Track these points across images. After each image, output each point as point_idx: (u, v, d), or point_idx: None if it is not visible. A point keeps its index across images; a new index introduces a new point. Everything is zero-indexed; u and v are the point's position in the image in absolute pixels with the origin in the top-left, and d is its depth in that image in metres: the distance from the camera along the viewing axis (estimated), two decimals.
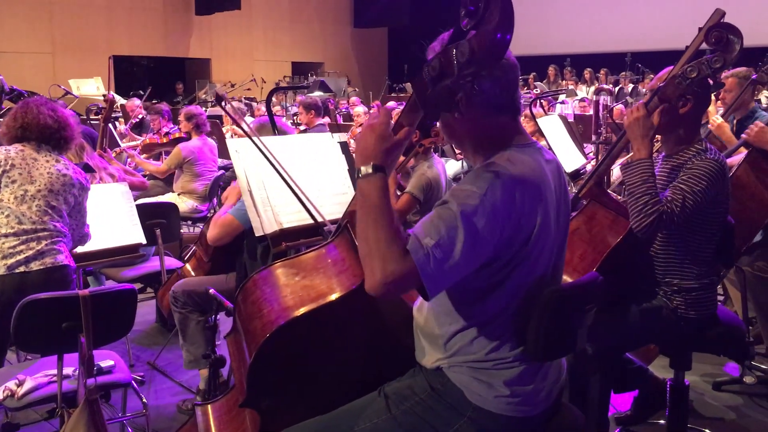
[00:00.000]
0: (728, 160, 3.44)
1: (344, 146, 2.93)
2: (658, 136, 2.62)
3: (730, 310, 2.91)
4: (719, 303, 2.74)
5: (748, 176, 3.24)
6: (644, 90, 12.17)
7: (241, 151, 2.62)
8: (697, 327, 2.56)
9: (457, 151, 6.62)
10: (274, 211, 2.62)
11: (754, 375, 3.37)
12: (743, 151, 3.40)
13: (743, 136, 3.27)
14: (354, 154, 1.66)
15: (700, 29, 2.47)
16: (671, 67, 2.58)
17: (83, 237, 3.20)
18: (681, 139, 2.53)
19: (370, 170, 1.55)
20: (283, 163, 2.74)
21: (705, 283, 2.56)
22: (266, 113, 3.60)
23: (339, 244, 1.90)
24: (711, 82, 2.39)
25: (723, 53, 2.36)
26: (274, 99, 12.54)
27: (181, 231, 5.50)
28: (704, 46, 2.49)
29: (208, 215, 6.27)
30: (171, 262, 4.42)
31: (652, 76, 12.75)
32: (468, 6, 1.41)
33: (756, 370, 3.59)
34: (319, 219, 2.49)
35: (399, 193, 3.98)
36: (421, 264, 1.48)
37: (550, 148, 4.89)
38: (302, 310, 1.75)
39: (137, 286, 4.72)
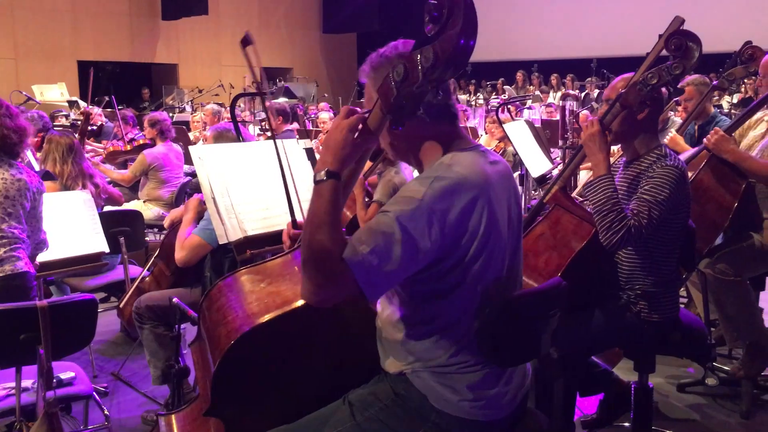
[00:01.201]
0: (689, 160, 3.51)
1: (310, 152, 2.91)
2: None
3: (693, 313, 2.95)
4: (681, 306, 2.78)
5: (709, 180, 3.29)
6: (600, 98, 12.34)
7: (204, 157, 2.59)
8: (659, 330, 2.59)
9: None
10: (239, 219, 2.60)
11: (716, 377, 3.43)
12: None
13: (704, 140, 3.32)
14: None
15: (660, 36, 2.51)
16: (625, 75, 2.62)
17: (40, 244, 3.14)
18: (641, 145, 2.56)
19: (323, 176, 1.56)
20: (249, 170, 2.72)
21: (667, 287, 2.59)
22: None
23: None
24: (671, 88, 2.42)
25: (682, 60, 2.40)
26: (242, 104, 12.46)
27: (147, 239, 5.43)
28: (665, 52, 2.53)
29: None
30: (136, 270, 4.35)
31: None
32: (432, 12, 1.42)
33: (719, 371, 3.64)
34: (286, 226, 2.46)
35: (367, 200, 3.97)
36: (356, 270, 1.49)
37: (517, 153, 4.93)
38: (267, 317, 1.73)
39: (101, 295, 4.68)
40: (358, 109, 1.66)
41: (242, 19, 18.31)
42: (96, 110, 9.30)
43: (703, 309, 3.55)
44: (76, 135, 5.04)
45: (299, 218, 2.58)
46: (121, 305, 3.66)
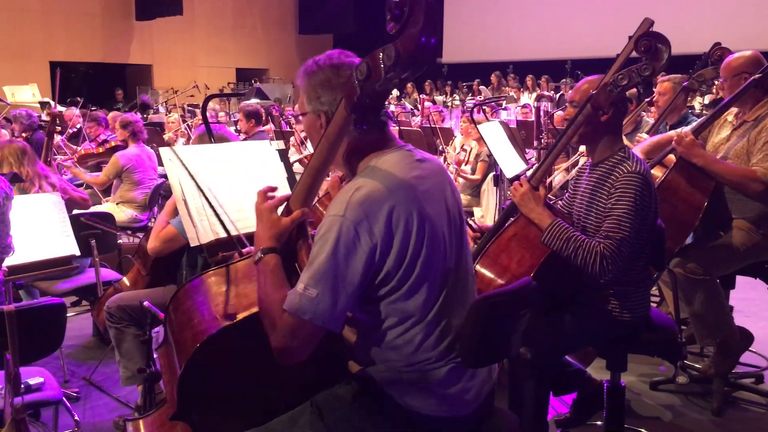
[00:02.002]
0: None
1: (282, 153, 2.90)
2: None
3: (664, 312, 2.98)
4: (653, 305, 2.81)
5: (679, 181, 3.32)
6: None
7: (175, 159, 2.56)
8: (631, 329, 2.62)
9: None
10: (210, 220, 2.57)
11: (687, 375, 3.46)
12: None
13: (673, 143, 3.35)
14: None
15: (630, 38, 2.53)
16: (590, 77, 2.64)
17: (5, 248, 3.08)
18: (605, 147, 2.59)
19: (260, 254, 1.67)
20: (221, 172, 2.70)
21: (638, 287, 2.62)
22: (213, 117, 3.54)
23: None
24: (641, 90, 2.45)
25: (652, 61, 2.43)
26: (217, 106, 12.38)
27: (120, 242, 5.36)
28: (635, 54, 2.55)
29: (149, 225, 6.14)
30: (108, 273, 4.29)
31: None
32: (393, 10, 1.43)
33: (690, 369, 3.68)
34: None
35: None
36: (315, 319, 1.55)
37: (491, 154, 4.94)
38: (233, 319, 1.71)
39: (72, 299, 4.61)
40: (274, 191, 1.78)
41: (217, 20, 18.22)
42: (75, 111, 9.16)
43: (674, 307, 3.58)
44: (45, 134, 4.96)
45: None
46: (96, 308, 3.61)
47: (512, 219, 2.73)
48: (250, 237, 2.59)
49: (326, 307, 1.55)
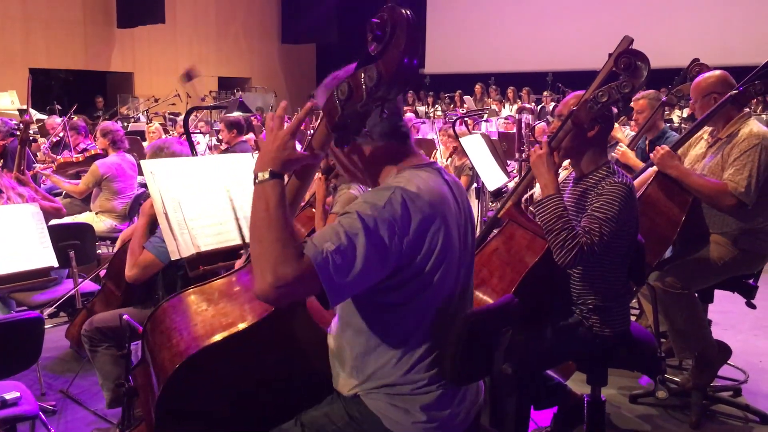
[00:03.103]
0: (640, 177, 3.59)
1: None
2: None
3: (643, 327, 3.00)
4: (632, 320, 2.83)
5: (658, 195, 3.36)
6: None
7: (156, 172, 2.54)
8: (611, 344, 2.63)
9: None
10: (191, 234, 2.56)
11: (666, 389, 3.49)
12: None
13: (651, 156, 3.40)
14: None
15: (610, 55, 2.56)
16: (578, 93, 2.67)
17: None
18: (590, 162, 2.61)
19: (266, 176, 1.54)
20: (203, 185, 2.68)
21: (618, 302, 2.64)
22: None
23: (251, 270, 1.86)
24: (621, 106, 2.47)
25: (631, 78, 2.45)
26: (199, 115, 12.30)
27: (99, 252, 5.31)
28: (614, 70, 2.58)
29: None
30: (86, 284, 4.24)
31: None
32: (375, 31, 1.42)
33: (669, 382, 3.71)
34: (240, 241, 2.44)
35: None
36: (320, 267, 1.45)
37: (473, 167, 4.97)
38: (213, 339, 1.70)
39: (50, 310, 4.55)
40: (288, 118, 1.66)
41: (200, 28, 18.17)
42: (57, 120, 9.06)
43: (654, 321, 3.61)
44: (18, 142, 4.89)
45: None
46: (69, 328, 3.55)
47: (494, 233, 2.74)
48: (232, 251, 2.59)
49: (338, 272, 1.45)
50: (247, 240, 2.43)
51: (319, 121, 1.58)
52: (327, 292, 1.46)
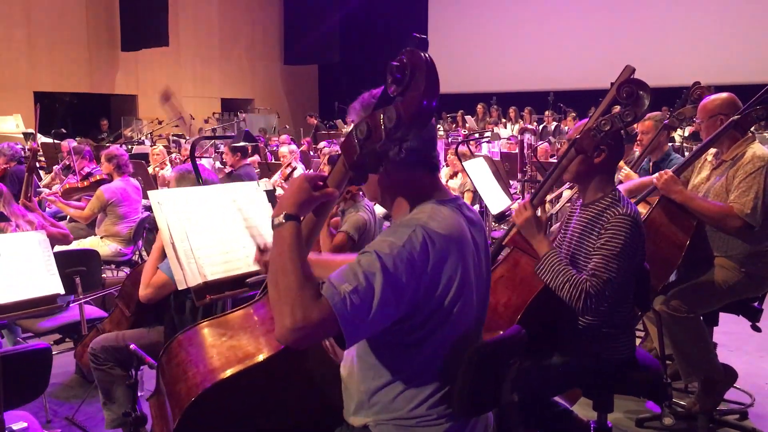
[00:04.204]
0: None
1: (270, 194, 2.91)
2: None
3: (648, 352, 3.00)
4: (638, 342, 2.83)
5: (661, 219, 3.37)
6: (566, 128, 12.62)
7: (163, 202, 2.57)
8: (617, 371, 2.64)
9: None
10: (198, 263, 2.57)
11: (672, 416, 3.48)
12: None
13: (654, 180, 3.41)
14: None
15: (612, 84, 2.59)
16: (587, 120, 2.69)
17: None
18: (597, 188, 2.62)
19: (282, 219, 1.57)
20: (208, 213, 2.70)
21: (624, 328, 2.65)
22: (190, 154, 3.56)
23: (266, 302, 1.88)
24: (624, 135, 2.50)
25: (633, 107, 2.48)
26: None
27: (104, 276, 5.32)
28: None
29: (133, 258, 6.10)
30: (92, 311, 4.25)
31: (574, 114, 13.25)
32: (395, 73, 1.45)
33: (676, 405, 3.70)
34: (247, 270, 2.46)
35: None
36: (338, 309, 1.47)
37: (476, 191, 5.00)
38: (228, 372, 1.72)
39: (55, 336, 4.56)
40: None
41: (203, 50, 18.31)
42: (73, 144, 9.11)
43: (659, 344, 3.61)
44: (25, 170, 4.95)
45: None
46: (78, 349, 3.56)
47: (499, 259, 2.75)
48: (239, 280, 2.61)
49: (356, 312, 1.48)
50: (253, 269, 2.45)
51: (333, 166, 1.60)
52: (344, 333, 1.48)
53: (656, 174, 3.43)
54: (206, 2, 18.34)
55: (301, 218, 1.59)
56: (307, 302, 1.46)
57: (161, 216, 2.57)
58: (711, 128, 3.47)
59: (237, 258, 2.68)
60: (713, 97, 3.56)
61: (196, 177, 2.95)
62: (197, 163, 3.00)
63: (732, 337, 4.79)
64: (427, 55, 1.44)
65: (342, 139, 1.59)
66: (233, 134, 5.83)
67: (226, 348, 1.78)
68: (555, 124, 13.13)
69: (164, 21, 15.43)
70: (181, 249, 2.56)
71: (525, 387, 2.51)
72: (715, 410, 3.62)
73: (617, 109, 2.56)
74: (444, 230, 1.62)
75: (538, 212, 2.66)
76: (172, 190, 2.70)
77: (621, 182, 3.99)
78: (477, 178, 4.71)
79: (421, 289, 1.57)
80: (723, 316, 3.70)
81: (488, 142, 9.65)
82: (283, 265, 1.52)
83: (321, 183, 1.62)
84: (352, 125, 1.53)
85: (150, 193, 2.61)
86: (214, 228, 2.67)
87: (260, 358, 1.73)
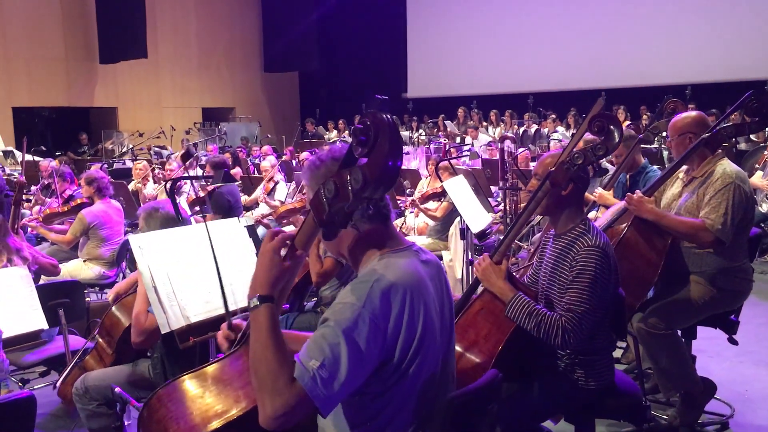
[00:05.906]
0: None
1: (251, 230, 2.94)
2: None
3: (627, 376, 3.05)
4: (618, 355, 2.88)
5: (636, 238, 3.43)
6: (545, 130, 12.69)
7: (145, 247, 2.58)
8: (597, 396, 2.69)
9: None
10: (180, 306, 2.59)
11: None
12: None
13: (625, 202, 3.47)
14: None
15: (583, 117, 2.64)
16: (554, 152, 2.74)
17: None
18: (567, 219, 2.69)
19: (256, 302, 1.62)
20: (191, 254, 2.72)
21: (601, 354, 2.70)
22: (179, 167, 3.58)
23: (242, 353, 1.91)
24: (596, 168, 2.55)
25: (605, 142, 2.54)
26: (175, 163, 12.30)
27: (88, 299, 5.30)
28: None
29: (116, 281, 6.08)
30: (76, 341, 4.25)
31: (554, 116, 13.33)
32: (359, 136, 1.48)
33: (659, 419, 3.76)
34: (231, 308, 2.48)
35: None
36: (309, 388, 1.54)
37: (456, 210, 5.03)
38: (210, 427, 1.74)
39: (41, 369, 4.55)
40: (285, 230, 1.72)
41: (182, 61, 18.22)
42: (52, 163, 9.06)
43: (636, 360, 3.67)
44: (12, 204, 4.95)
45: (242, 301, 2.62)
46: (60, 386, 3.56)
47: (479, 292, 2.80)
48: (221, 320, 2.62)
49: (326, 386, 1.55)
50: (231, 309, 2.49)
51: (304, 219, 1.64)
52: (319, 408, 1.56)
53: (626, 197, 3.49)
54: (184, 12, 18.25)
55: (275, 297, 1.64)
56: (282, 389, 1.54)
57: (143, 261, 2.59)
58: (680, 146, 3.54)
59: (219, 298, 2.70)
60: (683, 115, 3.63)
61: (175, 212, 2.97)
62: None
63: (711, 343, 4.85)
64: (389, 117, 1.48)
65: (310, 196, 1.63)
66: (211, 174, 5.82)
67: (206, 403, 1.81)
68: (535, 126, 13.20)
69: (142, 32, 15.34)
70: (164, 292, 2.58)
71: (507, 416, 2.56)
72: (696, 423, 3.68)
73: (588, 136, 2.62)
74: (401, 279, 1.68)
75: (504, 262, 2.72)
76: (153, 233, 2.71)
77: (595, 203, 4.05)
78: (457, 198, 4.75)
79: (387, 342, 1.63)
80: (702, 322, 3.76)
81: (468, 151, 9.71)
82: (262, 352, 1.58)
83: (289, 244, 1.66)
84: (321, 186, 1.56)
85: (131, 237, 2.63)
86: (195, 269, 2.69)
87: (239, 411, 1.76)
